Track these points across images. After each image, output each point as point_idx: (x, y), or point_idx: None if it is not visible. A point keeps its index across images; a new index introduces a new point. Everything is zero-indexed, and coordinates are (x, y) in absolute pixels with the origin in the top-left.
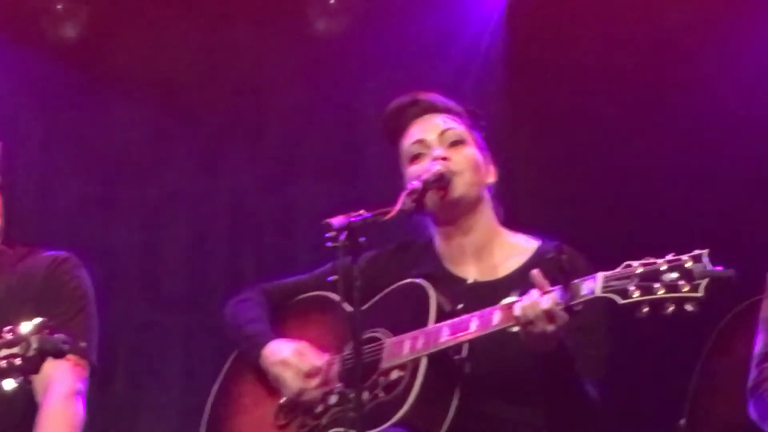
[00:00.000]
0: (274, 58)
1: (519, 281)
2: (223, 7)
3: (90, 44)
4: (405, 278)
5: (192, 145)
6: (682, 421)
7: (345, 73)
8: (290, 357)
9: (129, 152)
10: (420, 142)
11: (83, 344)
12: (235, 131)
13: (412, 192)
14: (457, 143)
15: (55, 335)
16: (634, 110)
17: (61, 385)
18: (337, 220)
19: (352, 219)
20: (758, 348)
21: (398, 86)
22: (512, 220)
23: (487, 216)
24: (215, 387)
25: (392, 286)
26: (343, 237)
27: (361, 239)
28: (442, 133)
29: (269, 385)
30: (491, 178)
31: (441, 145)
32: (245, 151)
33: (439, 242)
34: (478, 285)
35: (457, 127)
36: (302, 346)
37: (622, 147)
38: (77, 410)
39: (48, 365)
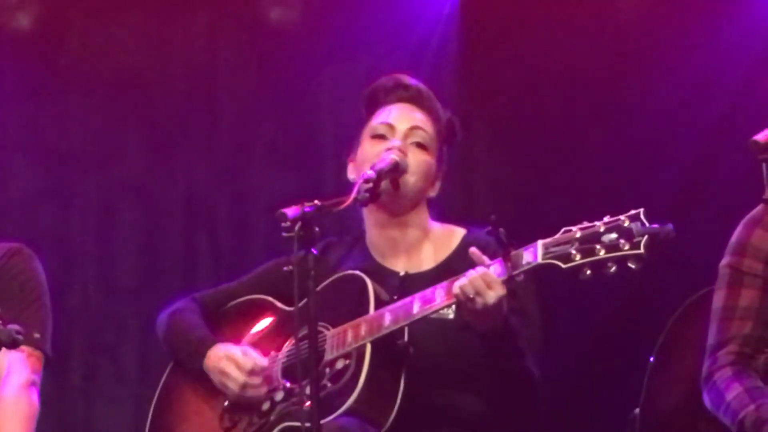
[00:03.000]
0: (228, 48)
1: (448, 270)
2: None
3: (43, 35)
4: (337, 273)
5: (146, 136)
6: (636, 411)
7: (299, 63)
8: (236, 353)
9: (83, 142)
10: (389, 126)
11: (37, 335)
12: (190, 121)
13: (367, 181)
14: (419, 146)
15: (9, 326)
16: (585, 96)
17: (16, 376)
18: (291, 210)
19: (307, 209)
20: (711, 338)
21: (352, 75)
22: (469, 212)
23: (422, 218)
24: (155, 399)
25: (327, 281)
26: (297, 227)
27: (316, 229)
28: (412, 129)
29: (212, 389)
30: (434, 192)
31: (405, 139)
32: (200, 141)
33: (371, 235)
34: (409, 277)
35: (428, 131)
36: (246, 348)
37: (577, 135)
38: (32, 401)
39: (2, 356)
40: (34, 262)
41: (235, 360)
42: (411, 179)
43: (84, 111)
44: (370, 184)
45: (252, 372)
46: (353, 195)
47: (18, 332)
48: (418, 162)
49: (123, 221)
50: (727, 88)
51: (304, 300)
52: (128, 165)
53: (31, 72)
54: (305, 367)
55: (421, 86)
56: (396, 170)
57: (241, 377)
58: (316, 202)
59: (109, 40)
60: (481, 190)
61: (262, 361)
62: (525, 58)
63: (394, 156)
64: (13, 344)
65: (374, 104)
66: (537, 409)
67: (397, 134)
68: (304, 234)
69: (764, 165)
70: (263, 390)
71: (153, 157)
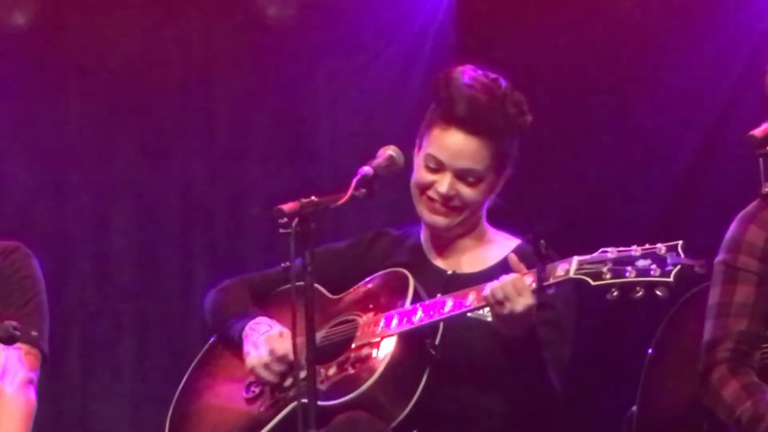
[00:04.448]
0: (224, 45)
1: (497, 274)
2: None
3: (40, 32)
4: (384, 267)
5: (141, 133)
6: (634, 408)
7: (295, 60)
8: (274, 335)
9: (79, 140)
10: (441, 163)
11: (34, 333)
12: (186, 118)
13: (364, 178)
14: (470, 184)
15: (6, 322)
16: (583, 89)
17: (13, 374)
18: (288, 206)
19: (304, 205)
20: (706, 335)
21: (348, 70)
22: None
23: (477, 223)
24: (189, 370)
25: (372, 275)
26: (294, 223)
27: (312, 225)
28: (463, 171)
29: (243, 361)
30: (489, 200)
31: (455, 178)
32: (195, 138)
33: (425, 232)
34: (456, 277)
35: (480, 166)
36: (287, 333)
37: (575, 128)
38: (30, 398)
39: None
40: (31, 260)
41: (270, 340)
42: (461, 216)
43: (79, 108)
44: (367, 181)
45: (278, 358)
46: (350, 192)
47: (15, 328)
48: (468, 197)
49: (119, 219)
50: (725, 83)
51: (346, 291)
52: (124, 162)
53: (27, 69)
54: (309, 353)
55: (480, 103)
56: (393, 164)
57: (266, 357)
58: (312, 198)
59: (104, 38)
60: None
61: (290, 355)
62: (522, 53)
63: (390, 152)
64: (10, 340)
65: (435, 112)
66: (552, 422)
67: (448, 171)
68: (301, 230)
69: (761, 160)
70: (277, 380)
71: (149, 155)
